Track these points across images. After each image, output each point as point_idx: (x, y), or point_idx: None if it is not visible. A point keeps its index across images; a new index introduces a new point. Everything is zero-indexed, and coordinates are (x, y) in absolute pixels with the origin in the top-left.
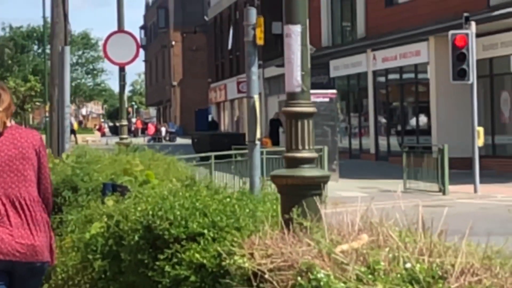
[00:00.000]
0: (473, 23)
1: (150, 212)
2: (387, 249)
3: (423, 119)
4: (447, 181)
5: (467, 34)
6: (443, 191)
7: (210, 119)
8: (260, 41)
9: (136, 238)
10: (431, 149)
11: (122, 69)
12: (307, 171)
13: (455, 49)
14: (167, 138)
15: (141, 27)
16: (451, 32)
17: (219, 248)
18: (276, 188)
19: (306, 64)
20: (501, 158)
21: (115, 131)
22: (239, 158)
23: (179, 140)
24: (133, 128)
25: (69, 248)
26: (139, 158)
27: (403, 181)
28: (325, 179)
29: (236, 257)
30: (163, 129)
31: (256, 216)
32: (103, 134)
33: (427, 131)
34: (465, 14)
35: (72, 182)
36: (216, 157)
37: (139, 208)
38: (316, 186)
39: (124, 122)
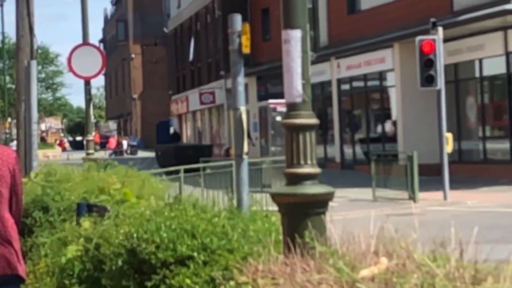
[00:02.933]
0: (440, 29)
1: (135, 235)
2: (415, 276)
3: (388, 126)
4: (417, 189)
5: (434, 40)
6: (413, 198)
7: (172, 131)
8: (246, 49)
9: (119, 262)
10: (398, 157)
11: (87, 83)
12: (310, 187)
13: (422, 55)
14: (129, 152)
15: (100, 40)
16: (418, 38)
17: (212, 273)
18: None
19: (307, 72)
20: (468, 163)
21: (75, 145)
22: (208, 171)
23: (141, 153)
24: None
25: (43, 274)
26: (113, 175)
27: (372, 190)
28: (330, 196)
29: (232, 283)
30: (125, 143)
31: (249, 237)
32: (64, 149)
33: (393, 138)
34: (432, 20)
35: (43, 202)
36: (185, 170)
37: (121, 231)
38: (320, 204)
39: (91, 137)
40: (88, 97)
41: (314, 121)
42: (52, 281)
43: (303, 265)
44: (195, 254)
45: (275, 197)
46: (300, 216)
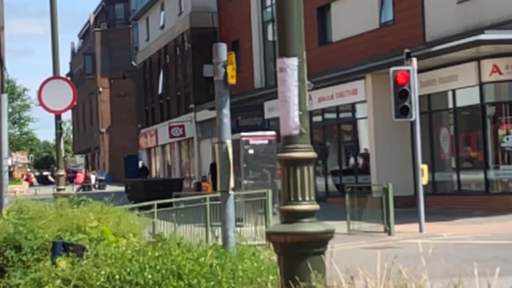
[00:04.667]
0: (414, 59)
1: (117, 276)
2: None
3: (361, 158)
4: (393, 221)
5: (408, 71)
6: (388, 231)
7: (140, 165)
8: (232, 80)
9: None
10: (372, 189)
11: (58, 117)
12: (309, 226)
13: (396, 86)
14: (97, 186)
15: (67, 74)
16: (392, 68)
17: None
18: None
19: (304, 103)
20: (442, 195)
21: (42, 181)
22: (181, 206)
23: (109, 188)
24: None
25: None
26: (88, 212)
27: (347, 223)
28: (330, 235)
29: None
30: (93, 177)
31: (238, 277)
32: (31, 184)
33: (365, 170)
34: (406, 50)
35: (15, 241)
36: (158, 205)
37: (102, 272)
38: (320, 243)
39: (61, 172)
40: (59, 132)
41: (312, 154)
42: None
43: None
44: None
45: (271, 236)
46: (299, 256)
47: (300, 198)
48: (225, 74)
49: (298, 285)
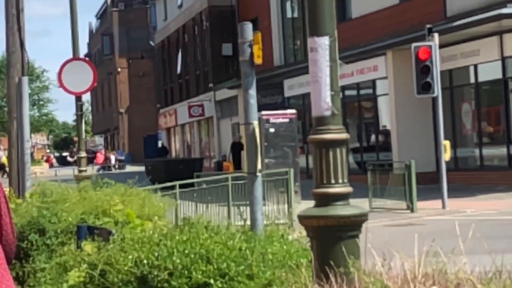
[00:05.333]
0: (436, 35)
1: (145, 261)
2: None
3: (382, 135)
4: (415, 198)
5: (430, 46)
6: (411, 208)
7: (160, 145)
8: (258, 60)
9: None
10: (393, 166)
11: (78, 99)
12: (342, 209)
13: (418, 62)
14: (117, 167)
15: (86, 55)
16: (414, 44)
17: None
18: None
19: (336, 83)
20: (464, 171)
21: (62, 161)
22: (204, 186)
23: (129, 168)
24: (75, 158)
25: None
26: (112, 195)
27: (369, 200)
28: (364, 218)
29: None
30: (113, 157)
31: (268, 260)
32: (51, 166)
33: (387, 147)
34: (428, 26)
35: (39, 224)
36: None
37: (129, 256)
38: (354, 226)
39: (83, 154)
40: (80, 113)
41: (345, 135)
42: None
43: None
44: (212, 281)
45: (303, 219)
46: (332, 240)
47: (333, 181)
48: (251, 54)
49: (333, 270)
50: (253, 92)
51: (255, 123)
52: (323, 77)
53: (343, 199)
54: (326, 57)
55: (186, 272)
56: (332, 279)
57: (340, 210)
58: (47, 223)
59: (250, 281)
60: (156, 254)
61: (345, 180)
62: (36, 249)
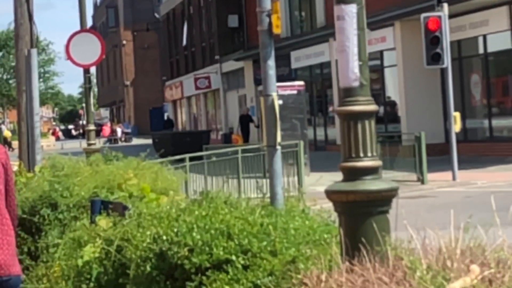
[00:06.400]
0: (445, 5)
1: (164, 237)
2: None
3: (391, 106)
4: (425, 170)
5: (439, 17)
6: (421, 180)
7: (166, 117)
8: (277, 30)
9: (148, 268)
10: (402, 138)
11: (86, 71)
12: (372, 183)
13: (428, 33)
14: (123, 139)
15: (90, 27)
16: (423, 15)
17: (259, 281)
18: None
19: (364, 52)
20: (474, 142)
21: (68, 134)
22: (214, 159)
23: (135, 141)
24: (81, 131)
25: (58, 278)
26: (125, 169)
27: (379, 172)
28: (394, 193)
29: None
30: (119, 130)
31: (291, 236)
32: (57, 138)
33: (395, 119)
34: None
35: (51, 199)
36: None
37: (148, 232)
38: (384, 201)
39: (92, 127)
40: (88, 86)
41: (374, 107)
42: (68, 285)
43: (378, 275)
44: (234, 257)
45: (331, 194)
46: (362, 216)
47: (361, 154)
48: (270, 23)
49: (364, 246)
50: (271, 62)
51: (274, 94)
52: (350, 46)
53: (373, 173)
54: (353, 26)
55: (207, 248)
56: (365, 256)
57: (369, 184)
58: (59, 197)
59: (274, 257)
60: (175, 230)
61: (374, 154)
62: (48, 224)
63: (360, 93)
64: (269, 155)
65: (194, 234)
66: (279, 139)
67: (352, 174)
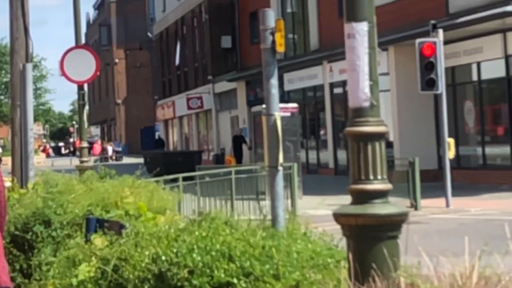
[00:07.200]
0: (440, 31)
1: (163, 257)
2: None
3: None
4: (419, 196)
5: (434, 42)
6: (415, 206)
7: (157, 136)
8: (280, 48)
9: None
10: (395, 163)
11: (80, 88)
12: (382, 207)
13: (422, 58)
14: (114, 158)
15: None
16: (418, 40)
17: None
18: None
19: (375, 72)
20: (467, 169)
21: (58, 152)
22: (207, 179)
23: (126, 159)
24: (71, 148)
25: None
26: (120, 187)
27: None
28: (404, 217)
29: None
30: (110, 148)
31: (293, 260)
32: (47, 155)
33: (388, 144)
34: (432, 22)
35: (44, 216)
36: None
37: (146, 252)
38: (393, 226)
39: (85, 144)
40: (82, 102)
41: (384, 128)
42: None
43: None
44: (235, 280)
45: (340, 217)
46: (371, 240)
47: (371, 177)
48: (273, 41)
49: (375, 272)
50: (274, 81)
51: (277, 114)
52: (361, 65)
53: (383, 197)
54: (364, 44)
55: (207, 270)
56: (376, 282)
57: (379, 208)
58: (53, 214)
59: (277, 281)
60: (175, 250)
61: (384, 176)
62: (41, 241)
63: (370, 113)
64: (271, 176)
65: (194, 255)
66: (281, 160)
67: (361, 197)
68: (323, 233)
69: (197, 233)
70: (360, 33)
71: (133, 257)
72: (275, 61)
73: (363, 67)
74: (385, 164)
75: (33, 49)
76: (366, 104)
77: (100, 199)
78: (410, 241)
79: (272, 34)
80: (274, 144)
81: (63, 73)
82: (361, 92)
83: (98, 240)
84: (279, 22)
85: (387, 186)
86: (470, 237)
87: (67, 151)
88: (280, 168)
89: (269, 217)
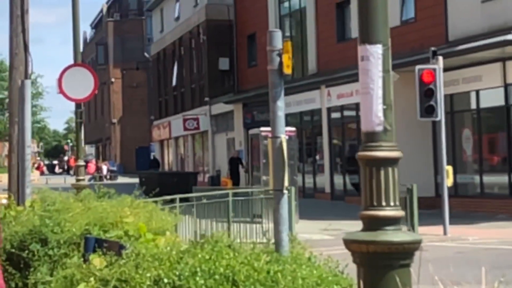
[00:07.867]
0: (440, 58)
1: (166, 280)
2: None
3: None
4: (417, 223)
5: (434, 69)
6: None
7: (152, 157)
8: (287, 70)
9: None
10: None
11: (78, 106)
12: (394, 234)
13: (422, 85)
14: (108, 177)
15: None
16: (418, 66)
17: None
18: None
19: (389, 96)
20: (464, 197)
21: (51, 170)
22: (204, 201)
23: (121, 179)
24: (65, 167)
25: None
26: (118, 207)
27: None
28: (417, 245)
29: None
30: (105, 168)
31: (299, 286)
32: (42, 173)
33: None
34: (432, 49)
35: (41, 234)
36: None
37: (148, 274)
38: (406, 254)
39: (82, 163)
40: (80, 120)
41: (398, 154)
42: None
43: None
44: None
45: (350, 244)
46: (383, 268)
47: (384, 203)
48: (280, 63)
49: None
50: (281, 104)
51: (283, 137)
52: (375, 88)
53: (395, 224)
54: (378, 67)
55: None
56: None
57: (391, 235)
58: (50, 232)
59: None
60: (177, 273)
61: (397, 203)
62: (38, 260)
63: (384, 138)
64: (276, 199)
65: (197, 278)
66: (286, 183)
67: (373, 224)
68: (328, 258)
69: (200, 255)
70: (374, 56)
71: (134, 279)
72: (282, 82)
73: (377, 90)
74: (397, 191)
75: (33, 65)
76: (379, 128)
77: (98, 219)
78: (422, 269)
79: (280, 55)
80: (280, 167)
81: (61, 91)
82: (374, 116)
83: (97, 260)
84: (286, 44)
85: (400, 213)
86: (468, 265)
87: (60, 170)
88: (286, 191)
89: (272, 241)
